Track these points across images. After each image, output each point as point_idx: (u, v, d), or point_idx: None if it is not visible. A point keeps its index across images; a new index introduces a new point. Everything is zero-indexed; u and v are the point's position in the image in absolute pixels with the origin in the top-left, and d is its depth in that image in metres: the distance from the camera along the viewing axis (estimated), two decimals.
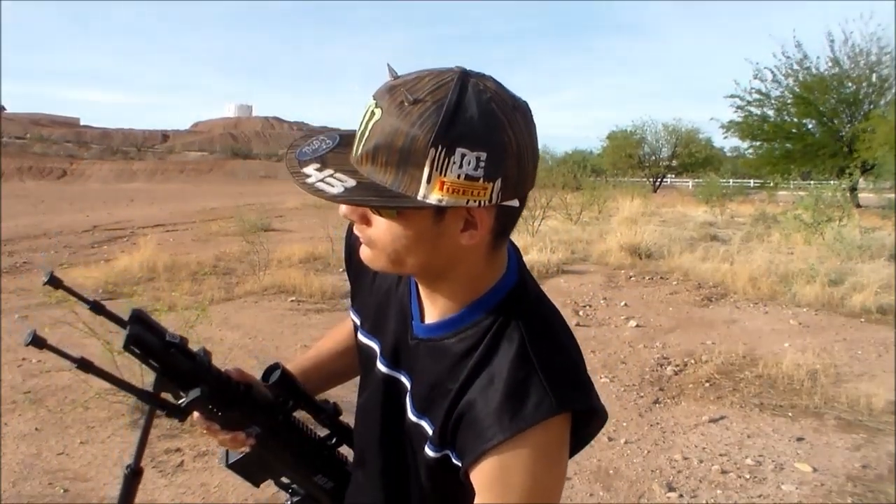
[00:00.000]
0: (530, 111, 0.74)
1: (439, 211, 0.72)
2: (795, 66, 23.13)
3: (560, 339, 0.82)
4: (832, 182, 15.13)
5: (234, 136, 79.86)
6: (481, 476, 0.75)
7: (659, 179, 37.89)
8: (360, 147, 0.70)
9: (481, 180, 0.68)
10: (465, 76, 0.69)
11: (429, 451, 0.82)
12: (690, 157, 37.31)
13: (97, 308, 0.85)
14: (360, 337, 0.96)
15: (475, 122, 0.67)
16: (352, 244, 0.97)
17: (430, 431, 0.82)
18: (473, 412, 0.76)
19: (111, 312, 0.86)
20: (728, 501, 3.06)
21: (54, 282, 0.82)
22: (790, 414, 4.08)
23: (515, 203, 0.74)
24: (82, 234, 13.80)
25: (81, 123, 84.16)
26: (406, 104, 0.67)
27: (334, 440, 1.02)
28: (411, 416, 0.85)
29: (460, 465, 0.78)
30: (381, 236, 0.75)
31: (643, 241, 10.16)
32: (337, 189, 0.70)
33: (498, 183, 0.69)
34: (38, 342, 0.77)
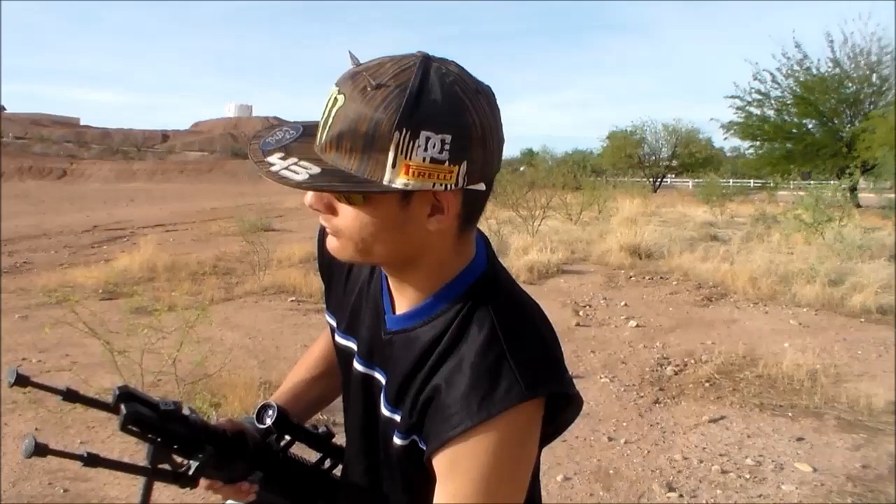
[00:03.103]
0: (494, 96, 0.73)
1: (405, 196, 0.71)
2: (795, 67, 23.17)
3: (533, 323, 0.80)
4: (832, 182, 15.13)
5: (234, 136, 79.76)
6: (444, 462, 0.73)
7: (659, 179, 37.86)
8: (325, 134, 0.70)
9: (447, 163, 0.68)
10: (427, 60, 0.69)
11: (396, 440, 0.81)
12: (690, 158, 37.30)
13: (71, 396, 0.81)
14: (338, 338, 0.94)
15: (439, 104, 0.67)
16: (323, 245, 0.95)
17: (398, 429, 0.81)
18: (440, 398, 0.75)
19: (90, 398, 0.82)
20: (728, 501, 3.06)
21: (22, 380, 0.78)
22: (790, 414, 4.08)
23: (482, 187, 0.73)
24: (82, 234, 13.80)
25: (81, 123, 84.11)
26: (369, 89, 0.67)
27: (328, 463, 1.01)
28: (384, 412, 0.84)
29: (425, 450, 0.77)
30: (347, 225, 0.74)
31: (643, 242, 10.16)
32: (301, 176, 0.70)
33: (464, 166, 0.69)
34: (40, 450, 0.74)
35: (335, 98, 0.69)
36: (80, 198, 29.09)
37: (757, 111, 24.46)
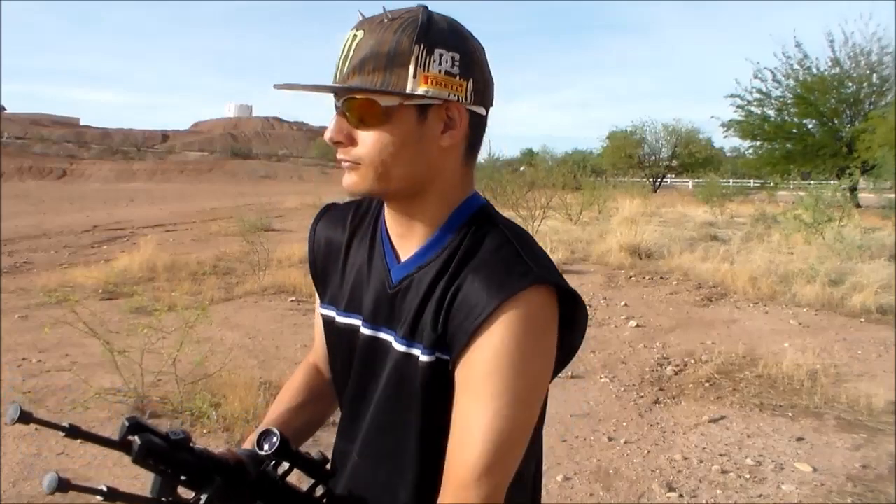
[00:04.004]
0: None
1: (423, 111, 0.80)
2: (796, 66, 23.16)
3: (535, 240, 0.88)
4: (832, 182, 15.13)
5: (234, 136, 79.82)
6: (474, 355, 0.77)
7: (659, 179, 37.86)
8: (346, 66, 0.79)
9: (458, 77, 0.80)
10: (427, 8, 0.81)
11: (423, 357, 0.82)
12: (690, 157, 37.27)
13: (74, 432, 0.78)
14: (339, 320, 0.95)
15: (446, 31, 0.80)
16: (316, 241, 1.01)
17: (421, 346, 0.83)
18: (461, 296, 0.80)
19: (94, 434, 0.80)
20: (728, 501, 3.06)
21: (25, 417, 0.75)
22: (790, 414, 4.08)
23: (482, 111, 0.84)
24: (82, 234, 13.80)
25: (81, 123, 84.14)
26: (386, 21, 0.79)
27: (320, 490, 0.99)
28: (398, 348, 0.85)
29: (449, 358, 0.80)
30: (368, 150, 0.81)
31: (643, 241, 10.17)
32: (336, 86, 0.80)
33: (471, 83, 0.81)
34: (63, 486, 0.73)
35: (354, 35, 0.79)
36: (80, 198, 29.10)
37: (757, 110, 24.48)
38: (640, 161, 38.18)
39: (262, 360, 4.86)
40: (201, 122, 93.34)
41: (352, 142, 0.82)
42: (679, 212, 18.49)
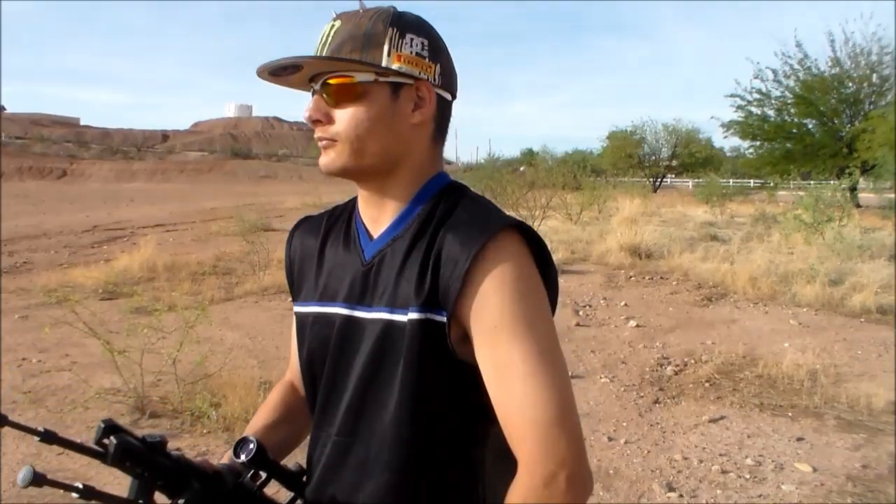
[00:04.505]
0: None
1: (395, 90, 0.86)
2: (796, 66, 23.17)
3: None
4: (832, 182, 15.13)
5: (234, 136, 79.82)
6: (479, 300, 0.79)
7: (659, 179, 37.85)
8: (325, 50, 0.86)
9: (427, 59, 0.87)
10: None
11: (410, 316, 0.82)
12: (690, 157, 37.27)
13: (49, 438, 0.77)
14: (315, 309, 0.97)
15: (415, 21, 0.88)
16: (292, 251, 1.05)
17: (405, 310, 0.83)
18: (444, 253, 0.83)
19: (70, 440, 0.79)
20: (728, 501, 3.06)
21: (39, 480, 0.74)
22: (790, 414, 4.08)
23: (449, 97, 0.92)
24: (82, 234, 13.80)
25: (81, 123, 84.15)
26: (361, 10, 0.87)
27: (299, 502, 0.98)
28: (380, 316, 0.86)
29: (444, 317, 0.81)
30: (344, 127, 0.86)
31: (643, 241, 10.16)
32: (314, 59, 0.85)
33: (438, 67, 0.89)
34: (38, 480, 0.73)
35: (332, 25, 0.87)
36: (80, 198, 29.10)
37: (757, 111, 24.49)
38: (640, 161, 38.17)
39: (262, 360, 4.86)
40: (201, 122, 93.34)
41: (329, 120, 0.87)
42: (679, 212, 18.50)
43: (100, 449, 0.79)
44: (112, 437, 0.79)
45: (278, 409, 1.07)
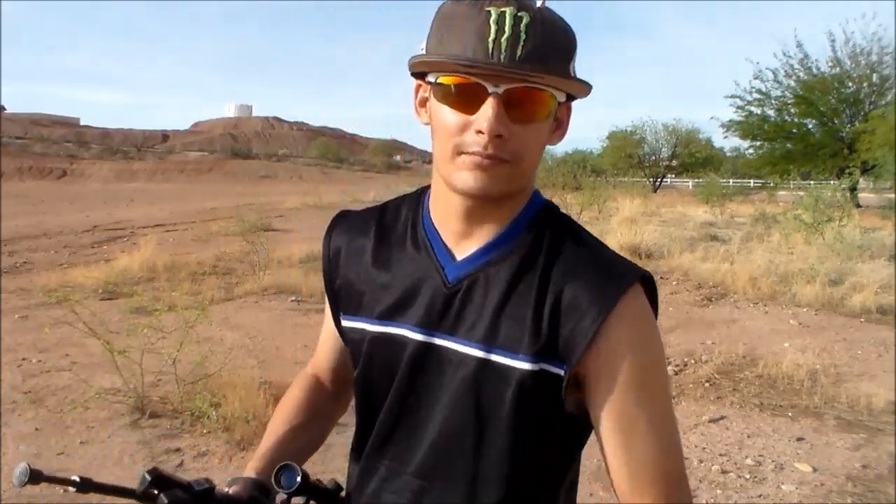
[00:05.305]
0: None
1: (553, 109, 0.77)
2: (796, 66, 23.21)
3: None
4: (832, 182, 15.13)
5: (234, 136, 79.90)
6: (606, 357, 0.75)
7: (659, 179, 37.87)
8: (520, 49, 0.71)
9: (575, 77, 0.77)
10: None
11: (521, 366, 0.76)
12: (690, 157, 37.29)
13: (86, 486, 0.74)
14: (375, 328, 0.86)
15: None
16: (332, 250, 0.93)
17: (513, 354, 0.76)
18: (566, 300, 0.76)
19: (110, 486, 0.76)
20: (728, 501, 3.06)
21: (35, 477, 0.71)
22: (790, 414, 4.08)
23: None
24: (82, 234, 13.80)
25: (81, 123, 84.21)
26: (541, 4, 0.74)
27: None
28: (471, 353, 0.78)
29: (563, 370, 0.76)
30: (527, 148, 0.76)
31: (643, 241, 10.16)
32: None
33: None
34: (34, 477, 0.70)
35: (515, 14, 0.71)
36: (79, 198, 29.10)
37: (757, 111, 24.50)
38: (640, 161, 38.19)
39: (262, 360, 4.86)
40: (201, 122, 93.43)
41: (512, 136, 0.74)
42: (679, 212, 18.49)
43: (147, 498, 0.77)
44: (162, 495, 0.77)
45: (303, 410, 0.99)
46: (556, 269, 0.78)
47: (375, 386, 0.87)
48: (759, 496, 3.10)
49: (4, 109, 77.67)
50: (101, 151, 68.10)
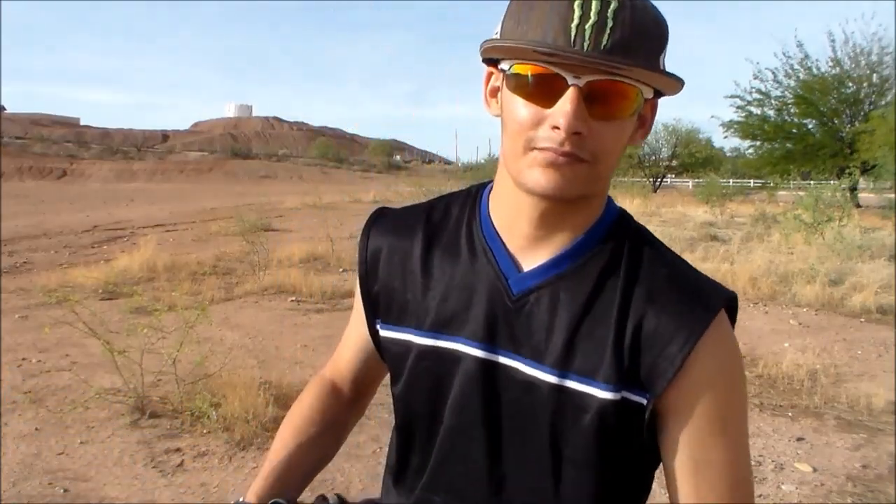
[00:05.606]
0: None
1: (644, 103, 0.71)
2: (796, 66, 23.20)
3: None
4: (832, 182, 15.13)
5: (234, 136, 79.97)
6: (689, 390, 0.70)
7: (659, 179, 37.88)
8: (605, 38, 0.64)
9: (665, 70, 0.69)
10: None
11: (602, 395, 0.70)
12: (690, 157, 37.31)
13: None
14: (424, 341, 0.79)
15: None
16: (371, 251, 0.85)
17: (591, 381, 0.71)
18: (649, 327, 0.71)
19: None
20: None
21: None
22: (790, 414, 4.08)
23: None
24: (82, 234, 13.80)
25: (81, 123, 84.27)
26: None
27: None
28: (542, 377, 0.72)
29: (645, 399, 0.71)
30: (609, 147, 0.69)
31: None
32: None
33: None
34: None
35: (603, 0, 0.64)
36: (79, 198, 29.10)
37: (757, 111, 24.51)
38: (640, 161, 38.17)
39: (262, 360, 4.86)
40: (201, 122, 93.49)
41: (591, 134, 0.67)
42: (679, 212, 18.49)
43: None
44: None
45: (317, 421, 0.91)
46: (638, 290, 0.72)
47: (422, 406, 0.81)
48: (759, 496, 3.10)
49: (4, 109, 77.73)
50: (101, 151, 68.09)
